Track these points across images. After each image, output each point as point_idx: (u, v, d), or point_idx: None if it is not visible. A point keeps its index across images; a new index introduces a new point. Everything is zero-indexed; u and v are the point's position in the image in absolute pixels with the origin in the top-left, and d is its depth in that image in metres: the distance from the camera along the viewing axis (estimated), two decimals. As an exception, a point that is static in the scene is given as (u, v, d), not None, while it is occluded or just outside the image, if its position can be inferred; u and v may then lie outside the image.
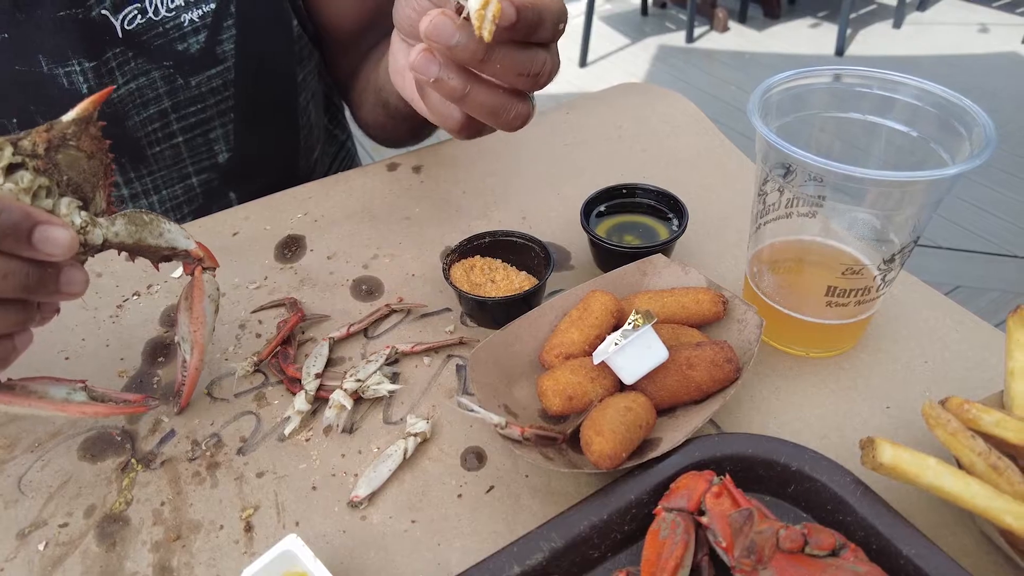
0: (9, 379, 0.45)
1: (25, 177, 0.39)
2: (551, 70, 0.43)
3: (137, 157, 0.73)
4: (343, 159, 1.00)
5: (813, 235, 0.49)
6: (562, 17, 0.42)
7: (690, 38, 3.59)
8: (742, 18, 3.82)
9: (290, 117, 0.83)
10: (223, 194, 0.81)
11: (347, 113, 0.96)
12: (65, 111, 0.64)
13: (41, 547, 0.43)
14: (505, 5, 0.37)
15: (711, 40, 3.64)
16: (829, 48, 3.49)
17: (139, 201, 0.76)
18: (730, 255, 0.60)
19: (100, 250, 0.43)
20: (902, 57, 3.44)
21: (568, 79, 3.21)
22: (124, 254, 0.46)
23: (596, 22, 3.44)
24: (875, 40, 3.61)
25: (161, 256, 0.47)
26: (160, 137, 0.74)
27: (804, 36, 3.68)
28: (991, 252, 2.16)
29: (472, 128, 0.48)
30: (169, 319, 0.59)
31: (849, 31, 3.59)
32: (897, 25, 3.71)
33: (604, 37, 3.60)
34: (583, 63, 3.33)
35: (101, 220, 0.43)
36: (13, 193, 0.38)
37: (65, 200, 0.41)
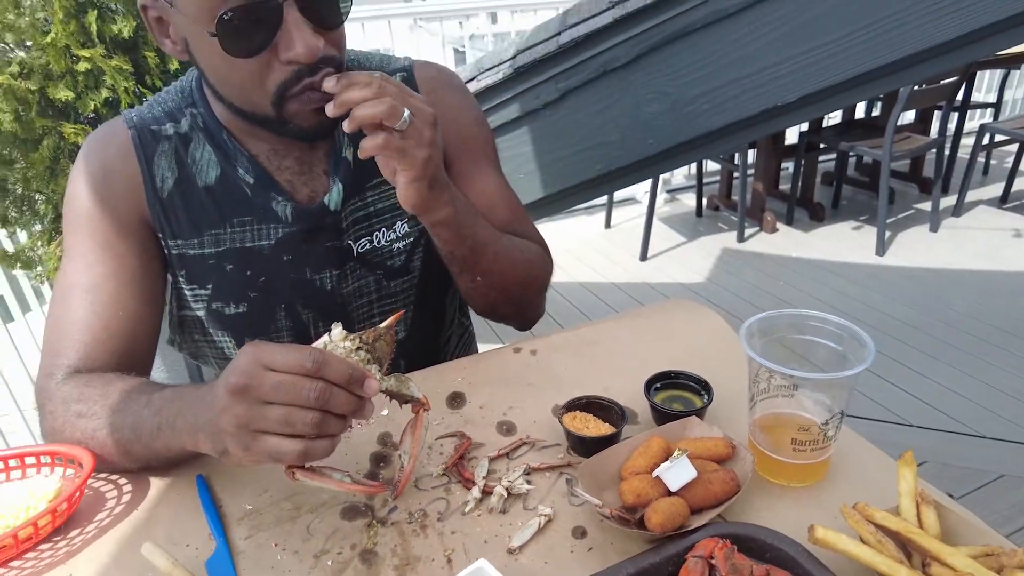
0: (311, 464, 0.79)
1: (362, 354, 0.76)
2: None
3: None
4: (467, 340, 1.38)
5: (788, 407, 0.81)
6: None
7: (741, 238, 4.03)
8: (789, 220, 4.27)
9: (442, 310, 1.23)
10: (396, 362, 1.19)
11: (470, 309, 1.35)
12: (315, 303, 1.06)
13: (329, 563, 0.76)
14: None
15: (761, 240, 4.07)
16: (870, 249, 3.85)
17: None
18: (739, 418, 0.91)
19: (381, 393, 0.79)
20: (939, 258, 3.75)
21: (631, 271, 3.66)
22: (387, 397, 0.82)
23: (656, 222, 3.95)
24: (913, 242, 3.96)
25: (404, 400, 0.83)
26: (365, 320, 1.13)
27: (846, 237, 4.08)
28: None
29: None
30: (382, 440, 0.94)
31: (888, 234, 3.96)
32: (934, 229, 4.08)
33: (663, 236, 4.10)
34: (644, 257, 3.80)
35: (385, 377, 0.79)
36: (358, 362, 0.75)
37: (374, 366, 0.78)
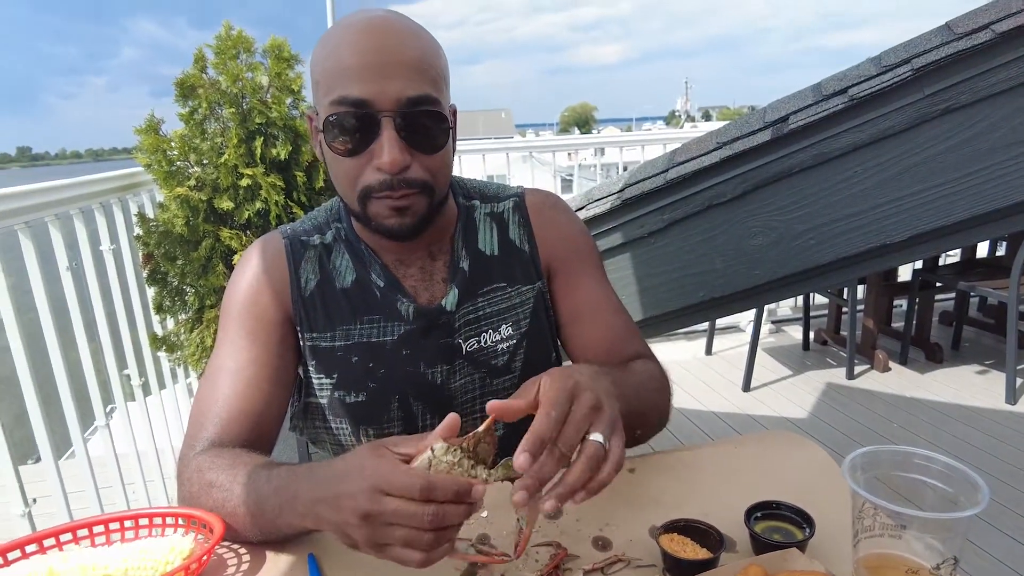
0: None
1: (465, 463, 0.81)
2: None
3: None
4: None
5: (895, 548, 0.79)
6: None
7: (851, 375, 3.85)
8: (903, 360, 4.04)
9: None
10: (499, 458, 1.23)
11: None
12: (425, 395, 1.13)
13: (424, 657, 0.78)
14: None
15: (872, 379, 3.86)
16: (998, 396, 3.56)
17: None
18: (841, 556, 0.88)
19: None
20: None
21: (733, 402, 3.56)
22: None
23: (760, 353, 3.86)
24: (1052, 391, 3.61)
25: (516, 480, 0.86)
26: (468, 414, 1.20)
27: (969, 382, 3.79)
28: None
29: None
30: (481, 540, 0.97)
31: (1021, 381, 3.66)
32: (1077, 378, 3.71)
33: (767, 367, 3.98)
34: (747, 388, 3.69)
35: (492, 472, 0.84)
36: (462, 471, 0.80)
37: (479, 468, 0.83)
